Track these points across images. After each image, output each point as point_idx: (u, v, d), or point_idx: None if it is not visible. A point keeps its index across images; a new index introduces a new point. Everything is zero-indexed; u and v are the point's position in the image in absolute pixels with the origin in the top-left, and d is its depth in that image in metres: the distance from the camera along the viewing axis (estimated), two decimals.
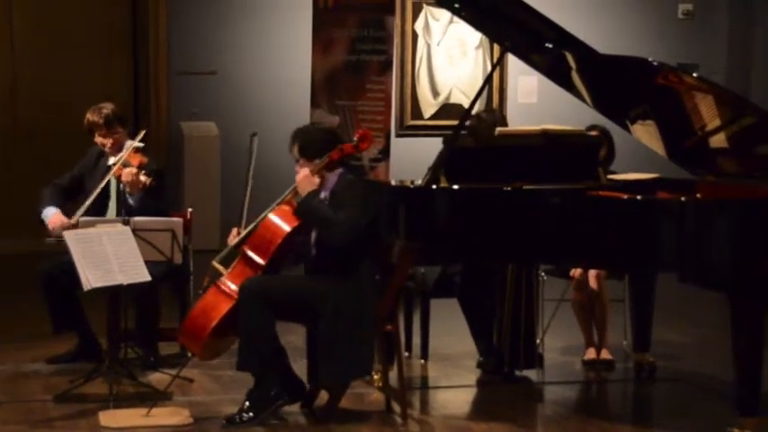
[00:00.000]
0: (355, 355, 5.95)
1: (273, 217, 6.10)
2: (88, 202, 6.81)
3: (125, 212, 6.70)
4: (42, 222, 6.97)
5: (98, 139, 7.03)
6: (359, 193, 6.05)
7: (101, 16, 11.15)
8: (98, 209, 6.89)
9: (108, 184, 6.91)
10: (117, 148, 6.98)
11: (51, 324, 7.00)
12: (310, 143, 6.11)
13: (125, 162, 6.79)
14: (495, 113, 7.63)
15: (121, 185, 6.81)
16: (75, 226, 6.62)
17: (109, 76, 11.10)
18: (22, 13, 11.04)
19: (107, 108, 7.03)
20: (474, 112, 7.18)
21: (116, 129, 6.99)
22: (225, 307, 6.01)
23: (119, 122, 7.02)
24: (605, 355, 7.31)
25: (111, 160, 6.97)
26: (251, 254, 6.09)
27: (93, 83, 10.87)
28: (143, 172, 6.73)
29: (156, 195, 6.84)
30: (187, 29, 11.09)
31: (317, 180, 6.03)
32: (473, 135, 7.09)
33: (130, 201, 6.79)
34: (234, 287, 6.01)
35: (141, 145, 6.92)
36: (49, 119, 10.99)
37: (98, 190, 6.84)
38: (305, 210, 6.01)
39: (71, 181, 7.10)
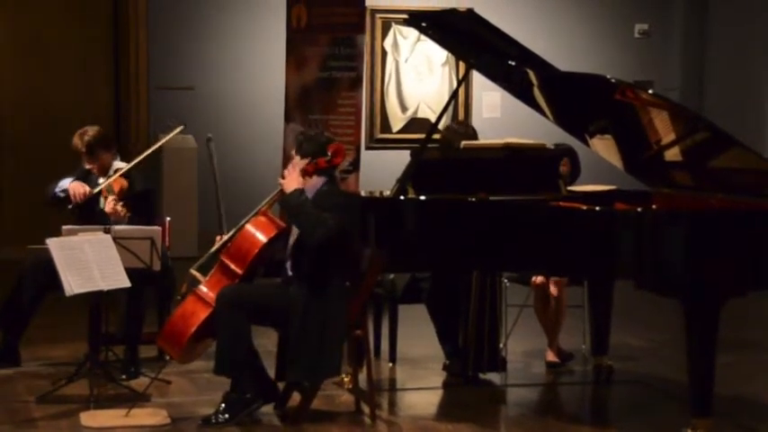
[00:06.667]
0: (323, 356, 6.01)
1: (251, 228, 6.19)
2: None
3: None
4: (54, 200, 6.97)
5: (85, 164, 7.02)
6: (337, 200, 6.13)
7: (83, 33, 11.22)
8: (88, 219, 6.90)
9: (98, 200, 6.96)
10: (103, 171, 7.00)
11: None
12: (307, 142, 6.18)
13: (108, 188, 6.81)
14: (467, 126, 7.65)
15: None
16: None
17: (91, 90, 11.15)
18: (2, 28, 11.09)
19: (89, 134, 6.95)
20: (445, 124, 7.21)
21: (98, 154, 6.96)
22: (203, 314, 6.12)
23: (102, 147, 6.97)
24: (551, 357, 7.44)
25: (101, 180, 6.98)
26: (228, 263, 6.18)
27: (75, 98, 10.93)
28: (121, 203, 6.73)
29: (145, 214, 6.85)
30: (166, 46, 11.20)
31: (302, 180, 6.10)
32: (445, 144, 7.14)
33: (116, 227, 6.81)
34: (211, 295, 6.11)
35: (125, 167, 6.88)
36: (31, 133, 11.04)
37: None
38: (292, 204, 6.05)
39: None
